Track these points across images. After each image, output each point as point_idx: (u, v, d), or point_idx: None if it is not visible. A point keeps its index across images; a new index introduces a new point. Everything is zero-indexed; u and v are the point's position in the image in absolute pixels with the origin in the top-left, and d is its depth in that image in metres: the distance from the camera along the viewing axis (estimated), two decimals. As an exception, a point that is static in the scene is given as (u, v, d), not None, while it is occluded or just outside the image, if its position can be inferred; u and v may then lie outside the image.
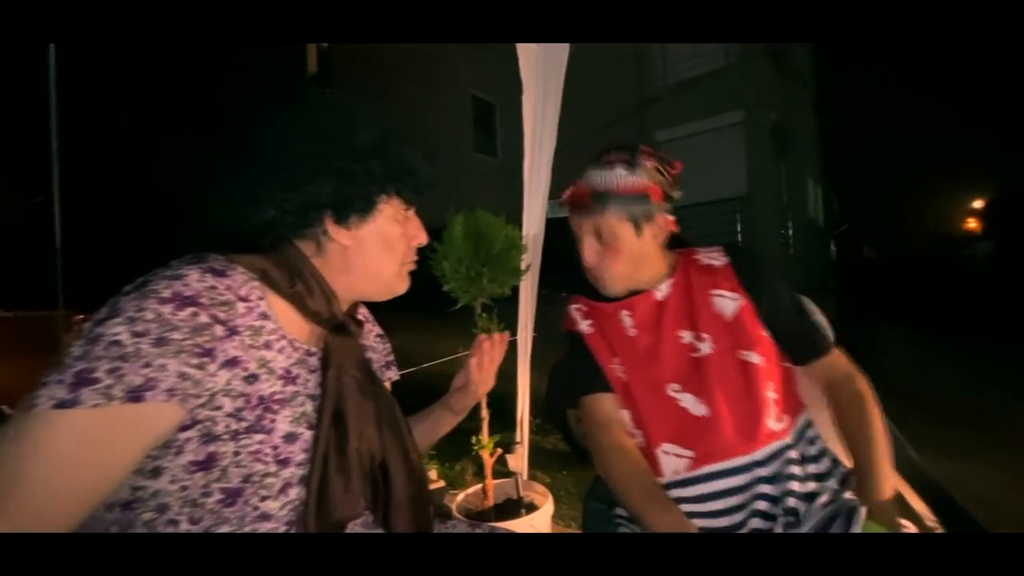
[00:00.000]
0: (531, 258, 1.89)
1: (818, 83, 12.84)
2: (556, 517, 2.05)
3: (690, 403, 0.91)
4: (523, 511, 1.80)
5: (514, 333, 2.02)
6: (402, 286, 0.75)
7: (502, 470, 1.96)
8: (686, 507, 0.86)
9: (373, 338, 0.88)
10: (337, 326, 0.69)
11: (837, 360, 0.95)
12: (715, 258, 1.00)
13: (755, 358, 0.90)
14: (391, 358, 0.92)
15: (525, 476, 2.03)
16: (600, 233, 0.96)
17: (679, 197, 1.00)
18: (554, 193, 1.98)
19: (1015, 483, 2.27)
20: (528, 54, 1.85)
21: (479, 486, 1.90)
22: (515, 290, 1.86)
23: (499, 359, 0.94)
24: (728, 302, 0.94)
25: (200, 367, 0.53)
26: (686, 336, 0.95)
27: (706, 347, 0.92)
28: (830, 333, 0.99)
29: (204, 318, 0.54)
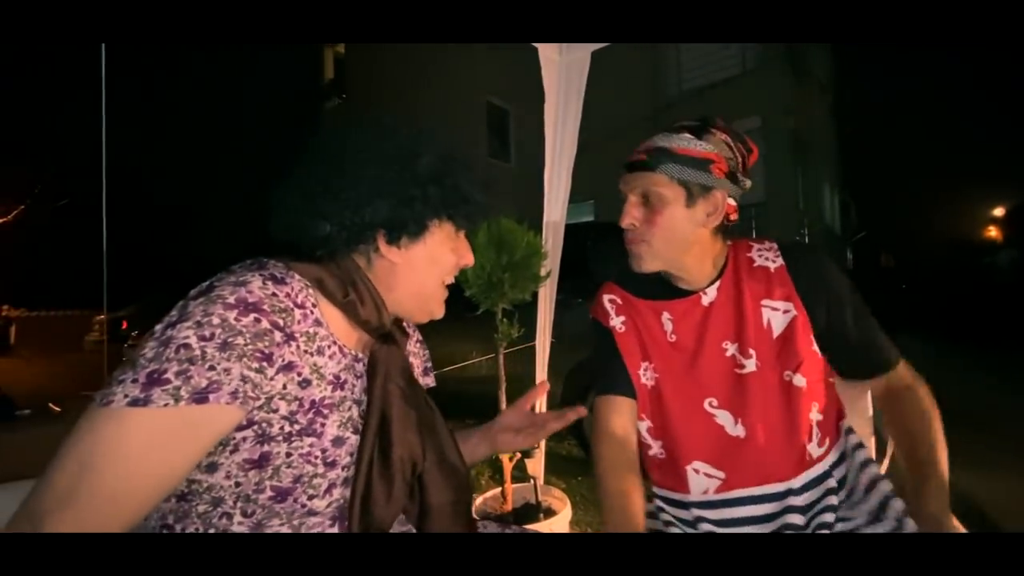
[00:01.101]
0: (550, 264, 1.92)
1: (836, 89, 12.73)
2: (573, 522, 2.06)
3: (727, 422, 0.85)
4: (542, 516, 1.81)
5: (533, 338, 2.04)
6: (440, 309, 0.75)
7: (518, 475, 1.98)
8: (709, 529, 0.84)
9: (414, 344, 0.89)
10: (384, 335, 0.71)
11: (901, 371, 0.87)
12: (769, 258, 0.90)
13: (801, 380, 0.83)
14: (429, 364, 0.92)
15: (542, 481, 2.05)
16: (648, 195, 0.87)
17: (747, 187, 0.90)
18: (572, 200, 2.01)
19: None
20: (550, 64, 1.88)
21: (498, 490, 1.92)
22: (534, 296, 1.88)
23: (557, 427, 0.84)
24: (779, 315, 0.86)
25: (260, 371, 0.56)
26: (730, 348, 0.87)
27: (751, 364, 0.85)
28: (892, 344, 0.89)
29: (265, 324, 0.56)
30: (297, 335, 0.60)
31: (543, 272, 1.84)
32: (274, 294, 0.59)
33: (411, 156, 0.67)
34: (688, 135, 0.86)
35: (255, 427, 0.57)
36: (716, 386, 0.86)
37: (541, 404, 2.06)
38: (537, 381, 2.05)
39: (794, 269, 0.88)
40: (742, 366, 0.85)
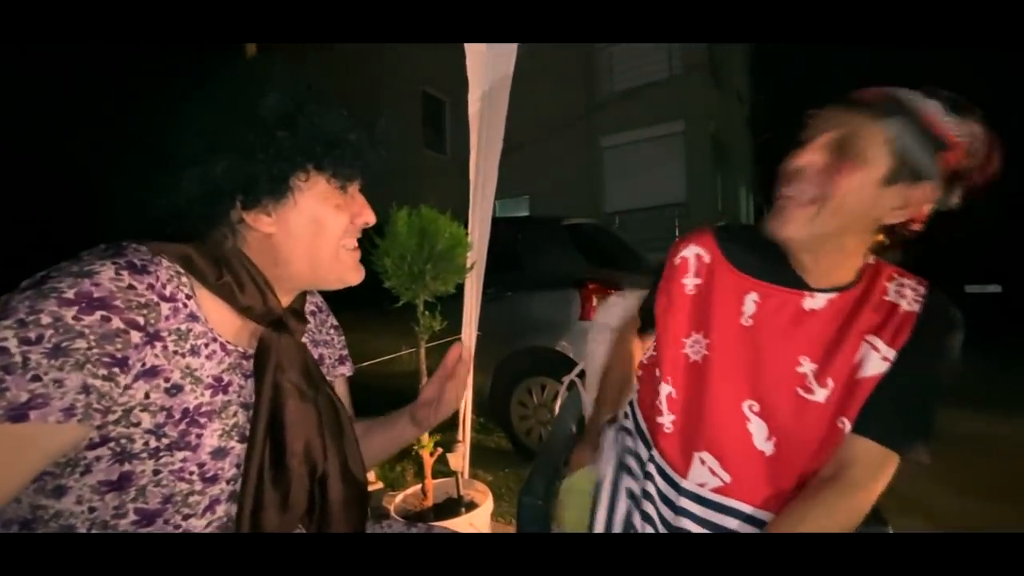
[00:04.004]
0: (476, 256, 1.90)
1: (752, 99, 13.62)
2: (496, 514, 2.06)
3: (759, 432, 0.75)
4: (463, 510, 1.80)
5: (458, 331, 2.02)
6: (353, 275, 0.66)
7: (444, 470, 1.95)
8: (686, 523, 0.77)
9: (327, 330, 0.80)
10: (274, 322, 0.61)
11: (882, 460, 0.71)
12: (908, 298, 0.75)
13: (848, 427, 0.72)
14: (345, 352, 0.84)
15: (466, 475, 2.03)
16: (846, 143, 0.70)
17: (956, 205, 0.72)
18: (501, 193, 2.00)
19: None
20: (476, 55, 1.85)
21: (419, 486, 1.89)
22: (460, 288, 1.86)
23: (467, 375, 0.82)
24: (876, 359, 0.72)
25: (110, 379, 0.47)
26: (806, 366, 0.75)
27: (821, 395, 0.73)
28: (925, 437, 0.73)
29: (117, 323, 0.47)
30: (164, 334, 0.51)
31: (468, 263, 1.81)
32: (131, 286, 0.49)
33: (251, 101, 0.55)
34: (940, 104, 0.69)
35: (111, 444, 0.49)
36: (767, 394, 0.76)
37: (467, 403, 2.05)
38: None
39: (924, 327, 0.73)
40: (810, 391, 0.74)
